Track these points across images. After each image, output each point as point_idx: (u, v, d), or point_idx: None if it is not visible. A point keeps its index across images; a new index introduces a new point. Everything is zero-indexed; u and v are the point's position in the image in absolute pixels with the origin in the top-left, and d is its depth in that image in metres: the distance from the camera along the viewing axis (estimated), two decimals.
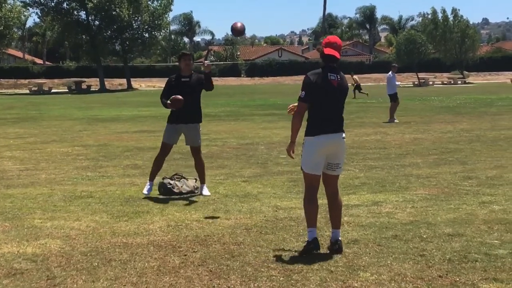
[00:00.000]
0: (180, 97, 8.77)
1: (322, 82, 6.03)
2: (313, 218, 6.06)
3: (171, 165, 11.14)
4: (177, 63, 11.98)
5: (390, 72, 23.06)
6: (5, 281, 5.37)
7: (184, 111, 8.92)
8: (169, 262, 5.85)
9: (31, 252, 6.19)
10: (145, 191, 8.98)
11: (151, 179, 9.13)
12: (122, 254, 6.10)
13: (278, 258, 5.89)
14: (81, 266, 5.74)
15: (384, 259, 5.81)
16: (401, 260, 5.78)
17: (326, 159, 6.11)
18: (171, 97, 8.82)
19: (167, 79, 9.35)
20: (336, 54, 6.12)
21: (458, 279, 5.26)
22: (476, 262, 5.68)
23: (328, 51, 6.11)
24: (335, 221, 6.20)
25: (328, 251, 6.06)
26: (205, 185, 9.12)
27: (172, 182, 9.18)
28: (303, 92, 6.08)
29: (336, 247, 6.06)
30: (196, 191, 9.11)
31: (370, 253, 6.00)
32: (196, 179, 9.43)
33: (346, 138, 6.33)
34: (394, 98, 22.17)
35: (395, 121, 21.30)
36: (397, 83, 23.07)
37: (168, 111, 9.16)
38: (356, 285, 5.18)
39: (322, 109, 6.07)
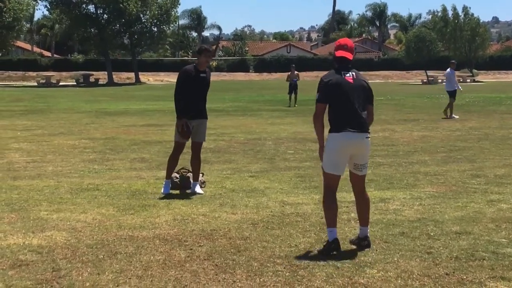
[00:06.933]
0: (189, 131, 8.75)
1: (337, 80, 6.00)
2: (333, 218, 6.01)
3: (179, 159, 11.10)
4: (185, 58, 11.86)
5: (448, 69, 22.71)
6: (10, 272, 5.38)
7: (197, 107, 8.86)
8: (175, 256, 5.84)
9: (37, 244, 6.19)
10: (164, 190, 8.72)
11: (168, 177, 8.89)
12: (128, 247, 6.09)
13: (284, 254, 5.87)
14: (87, 259, 5.74)
15: (391, 256, 5.78)
16: (408, 257, 5.75)
17: (351, 159, 6.03)
18: (184, 127, 8.67)
19: (178, 73, 9.04)
20: (347, 55, 6.14)
21: (465, 277, 5.23)
22: (484, 260, 5.64)
23: (339, 53, 6.15)
24: (363, 218, 6.19)
25: (356, 247, 6.06)
26: (198, 183, 8.91)
27: (179, 176, 9.15)
28: (318, 94, 6.04)
29: (365, 243, 6.06)
30: (203, 186, 9.07)
31: (376, 250, 5.97)
32: (203, 173, 9.40)
33: None
34: (453, 94, 22.14)
35: (455, 117, 21.38)
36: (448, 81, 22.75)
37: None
38: (362, 281, 5.15)
39: (342, 107, 5.97)
